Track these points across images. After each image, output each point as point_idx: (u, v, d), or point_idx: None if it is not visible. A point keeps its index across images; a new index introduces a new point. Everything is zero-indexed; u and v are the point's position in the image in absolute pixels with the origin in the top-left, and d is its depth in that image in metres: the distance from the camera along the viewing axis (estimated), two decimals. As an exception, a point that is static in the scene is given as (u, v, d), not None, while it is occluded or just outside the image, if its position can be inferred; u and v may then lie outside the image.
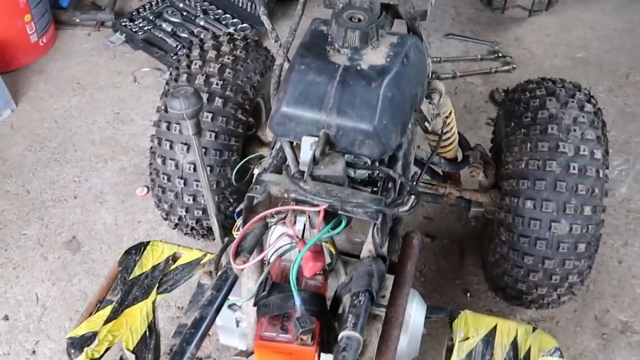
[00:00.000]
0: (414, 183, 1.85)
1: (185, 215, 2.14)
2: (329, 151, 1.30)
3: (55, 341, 2.35)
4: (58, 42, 3.64)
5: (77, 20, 3.65)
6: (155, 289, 1.87)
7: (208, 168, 2.00)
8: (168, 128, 2.01)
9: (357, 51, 1.31)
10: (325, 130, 1.29)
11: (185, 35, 3.43)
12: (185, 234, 2.29)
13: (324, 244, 1.29)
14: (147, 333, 1.77)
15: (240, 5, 3.58)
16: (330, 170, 1.26)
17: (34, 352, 2.33)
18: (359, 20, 1.31)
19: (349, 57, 1.31)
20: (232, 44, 2.13)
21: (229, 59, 2.05)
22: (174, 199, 2.09)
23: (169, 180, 2.05)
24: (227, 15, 3.55)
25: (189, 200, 2.07)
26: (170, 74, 2.12)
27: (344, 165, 1.28)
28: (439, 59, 3.40)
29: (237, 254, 1.24)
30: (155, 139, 2.06)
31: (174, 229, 2.31)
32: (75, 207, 2.79)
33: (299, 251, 1.25)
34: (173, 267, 1.94)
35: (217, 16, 3.57)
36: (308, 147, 1.30)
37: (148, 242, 1.96)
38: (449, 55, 3.45)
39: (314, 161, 1.26)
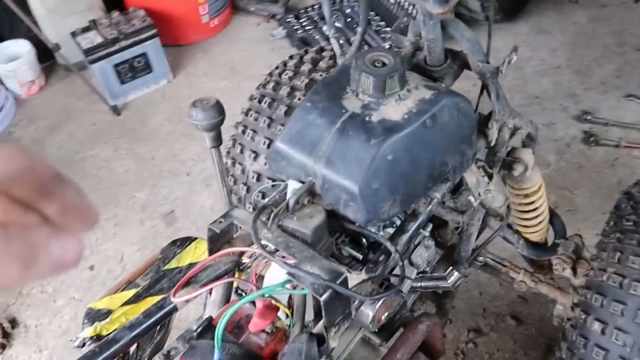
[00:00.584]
0: (469, 259, 1.60)
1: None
2: (313, 203, 1.15)
3: (119, 302, 2.48)
4: (230, 26, 3.85)
5: (252, 9, 3.81)
6: (183, 286, 1.87)
7: (271, 181, 1.93)
8: (243, 132, 1.97)
9: (376, 100, 1.13)
10: (312, 179, 1.14)
11: (340, 42, 3.39)
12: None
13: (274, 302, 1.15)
14: (158, 327, 1.77)
15: (406, 21, 3.43)
16: (300, 225, 1.10)
17: (99, 306, 2.48)
18: (383, 64, 1.12)
19: (363, 105, 1.13)
20: (333, 60, 2.02)
21: (321, 75, 1.95)
22: (237, 202, 2.06)
23: (235, 183, 2.02)
24: (389, 29, 3.43)
25: (249, 208, 2.03)
26: (265, 78, 2.08)
27: (320, 224, 1.11)
28: (605, 121, 2.92)
29: (186, 285, 1.15)
30: (232, 139, 2.05)
31: (240, 231, 2.29)
32: (184, 184, 2.93)
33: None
34: (209, 269, 1.91)
35: (378, 28, 3.48)
36: (290, 193, 1.16)
37: (195, 238, 1.96)
38: (621, 120, 2.94)
39: (287, 209, 1.12)
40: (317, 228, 1.10)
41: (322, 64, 2.00)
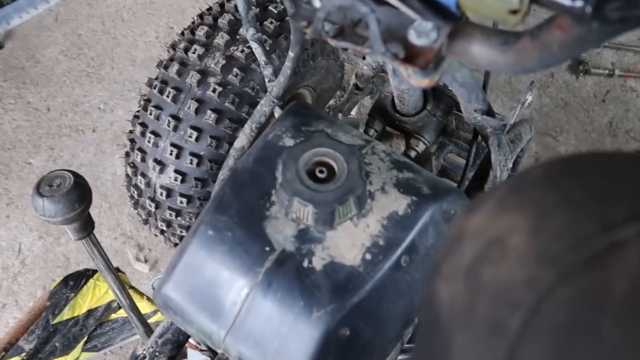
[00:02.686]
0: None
1: (161, 232, 1.64)
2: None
3: (22, 310, 2.05)
4: None
5: None
6: (81, 344, 1.44)
7: (185, 200, 1.44)
8: (142, 133, 1.44)
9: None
10: (223, 354, 0.70)
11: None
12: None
13: None
14: None
15: None
16: None
17: (-3, 316, 2.05)
18: (329, 173, 0.63)
19: (298, 232, 0.65)
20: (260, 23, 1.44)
21: (243, 50, 1.39)
22: (146, 217, 1.58)
23: (139, 195, 1.52)
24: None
25: (162, 225, 1.55)
26: (168, 52, 1.50)
27: None
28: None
29: None
30: (129, 139, 1.52)
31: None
32: (90, 144, 2.37)
33: None
34: (114, 316, 1.48)
35: None
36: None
37: (94, 272, 1.50)
38: (615, 40, 2.46)
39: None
40: None
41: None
